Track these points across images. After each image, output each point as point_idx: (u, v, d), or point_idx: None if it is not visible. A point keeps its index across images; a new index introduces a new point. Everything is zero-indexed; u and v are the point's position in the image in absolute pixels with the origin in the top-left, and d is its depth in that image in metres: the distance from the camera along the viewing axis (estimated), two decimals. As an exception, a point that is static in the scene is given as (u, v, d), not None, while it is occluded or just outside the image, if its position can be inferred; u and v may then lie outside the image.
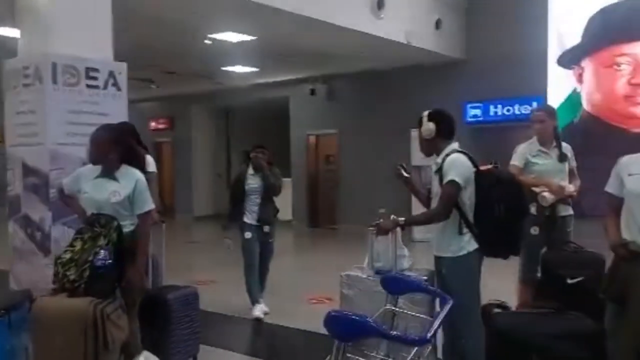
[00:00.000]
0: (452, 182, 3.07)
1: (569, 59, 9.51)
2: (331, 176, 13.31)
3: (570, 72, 9.49)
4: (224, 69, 12.72)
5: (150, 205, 3.42)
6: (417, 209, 10.70)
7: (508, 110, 10.16)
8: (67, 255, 3.13)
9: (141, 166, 3.72)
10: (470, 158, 3.19)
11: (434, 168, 3.26)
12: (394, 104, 11.59)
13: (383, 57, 10.69)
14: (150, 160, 4.47)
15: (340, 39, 9.11)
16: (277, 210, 5.92)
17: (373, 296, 3.31)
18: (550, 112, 4.42)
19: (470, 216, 3.13)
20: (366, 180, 12.12)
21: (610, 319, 2.70)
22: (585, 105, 9.32)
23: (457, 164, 3.10)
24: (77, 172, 3.65)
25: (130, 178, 3.39)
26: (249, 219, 5.61)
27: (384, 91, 11.84)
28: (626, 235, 2.61)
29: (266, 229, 5.63)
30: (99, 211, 3.28)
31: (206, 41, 9.92)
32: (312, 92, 12.79)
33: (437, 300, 3.20)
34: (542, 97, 9.58)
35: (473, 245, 3.12)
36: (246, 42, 9.85)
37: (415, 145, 10.87)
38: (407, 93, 11.40)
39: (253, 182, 5.63)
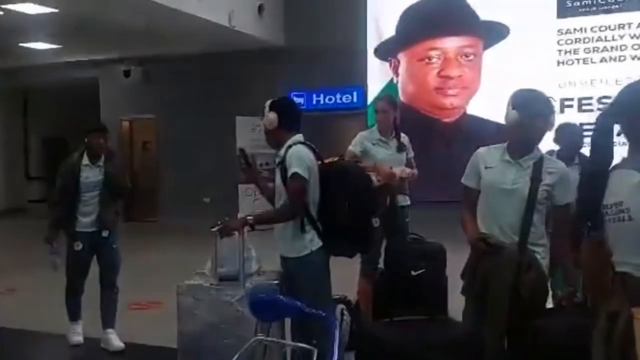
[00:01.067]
0: (296, 175, 2.84)
1: (386, 51, 9.93)
2: (148, 164, 12.46)
3: (386, 63, 9.91)
4: (22, 45, 11.15)
5: None
6: (244, 198, 10.66)
7: (330, 100, 10.33)
8: None
9: None
10: (313, 150, 2.99)
11: (276, 161, 3.00)
12: (218, 89, 11.16)
13: (205, 41, 10.19)
14: None
15: (157, 17, 8.44)
16: (119, 214, 4.89)
17: (218, 308, 2.96)
18: (392, 102, 4.41)
19: (314, 212, 2.95)
20: (188, 169, 11.55)
21: (468, 316, 2.69)
22: (401, 95, 9.80)
23: (299, 155, 2.88)
24: None
25: None
26: (82, 225, 4.41)
27: (207, 76, 11.33)
28: (484, 229, 2.60)
29: (105, 233, 4.45)
30: None
31: (-2, 12, 8.54)
32: (126, 74, 11.80)
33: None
34: (362, 86, 9.89)
35: (317, 244, 2.92)
36: (46, 15, 8.68)
37: (241, 133, 10.69)
38: (231, 79, 11.04)
39: (90, 175, 4.41)
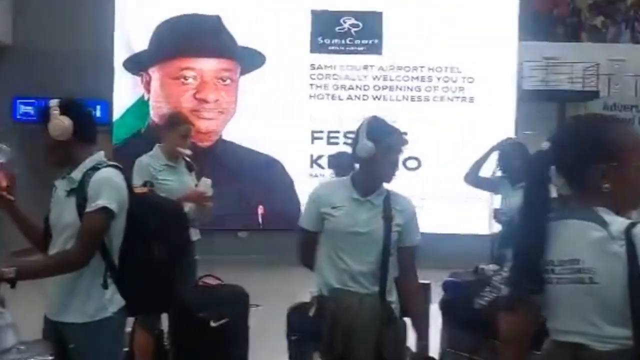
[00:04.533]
0: (104, 209, 2.10)
1: (136, 65, 9.16)
2: None
3: (138, 77, 9.13)
4: None
5: None
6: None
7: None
8: None
9: None
10: (125, 177, 2.26)
11: (64, 186, 2.22)
12: None
13: None
14: None
15: None
16: None
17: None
18: None
19: (116, 260, 2.21)
20: None
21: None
22: (153, 115, 9.12)
23: (111, 183, 2.15)
24: None
25: None
26: None
27: None
28: (330, 278, 2.29)
29: None
30: None
31: None
32: None
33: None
34: (107, 100, 8.93)
35: (119, 303, 2.20)
36: None
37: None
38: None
39: None
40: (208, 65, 9.13)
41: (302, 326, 3.59)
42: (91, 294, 2.15)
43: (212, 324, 3.03)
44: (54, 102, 2.17)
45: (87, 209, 2.10)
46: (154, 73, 9.15)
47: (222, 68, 9.18)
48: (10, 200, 2.25)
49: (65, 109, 2.15)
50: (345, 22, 9.17)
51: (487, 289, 2.75)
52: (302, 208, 8.81)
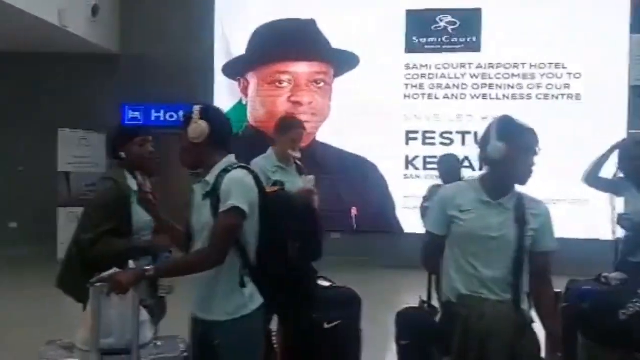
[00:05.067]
0: (235, 209, 2.16)
1: (235, 70, 9.41)
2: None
3: (235, 82, 9.39)
4: None
5: None
6: (66, 224, 9.24)
7: (171, 117, 9.45)
8: None
9: None
10: (255, 177, 2.32)
11: (200, 189, 2.31)
12: (34, 96, 9.60)
13: (22, 38, 8.71)
14: None
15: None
16: None
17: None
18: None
19: (253, 259, 2.27)
20: (-8, 188, 9.74)
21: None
22: (250, 118, 9.34)
23: (241, 183, 2.21)
24: None
25: None
26: None
27: (22, 80, 9.71)
28: (458, 285, 2.21)
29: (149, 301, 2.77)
30: None
31: None
32: None
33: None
34: (208, 104, 9.21)
35: (258, 301, 2.27)
36: None
37: (64, 148, 9.26)
38: (52, 85, 9.59)
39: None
40: (302, 69, 9.23)
41: (414, 331, 3.51)
42: (231, 293, 2.22)
43: (325, 325, 3.02)
44: (196, 107, 2.30)
45: (220, 210, 2.16)
46: (252, 78, 9.37)
47: (316, 71, 9.25)
48: (154, 203, 2.46)
49: (204, 114, 2.25)
50: (441, 20, 8.97)
51: (634, 299, 2.54)
52: (397, 210, 8.77)
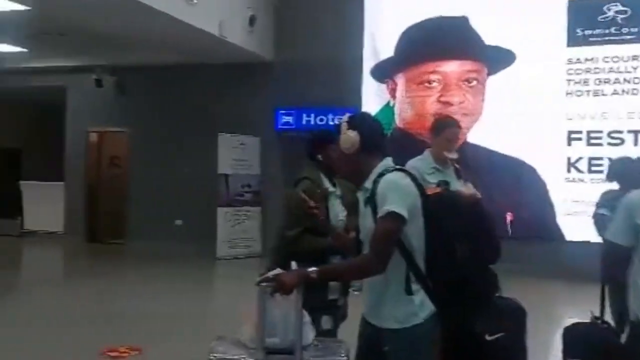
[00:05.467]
0: (392, 214, 2.06)
1: (383, 72, 9.38)
2: (117, 181, 11.49)
3: (383, 85, 9.34)
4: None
5: None
6: (224, 223, 9.84)
7: (321, 120, 9.66)
8: None
9: None
10: (413, 178, 2.22)
11: (362, 196, 2.27)
12: (199, 103, 10.36)
13: (189, 50, 9.42)
14: None
15: (142, 20, 7.64)
16: None
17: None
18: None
19: (422, 265, 2.18)
20: (161, 188, 10.64)
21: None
22: (397, 120, 9.24)
23: (397, 186, 2.13)
24: None
25: None
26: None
27: (187, 89, 10.52)
28: None
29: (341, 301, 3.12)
30: None
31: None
32: (98, 83, 10.87)
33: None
34: (357, 107, 9.28)
35: (429, 309, 2.16)
36: (14, 13, 7.78)
37: (223, 151, 9.89)
38: (214, 93, 10.28)
39: (342, 212, 3.15)
40: (453, 68, 8.94)
41: (587, 350, 3.18)
42: (399, 300, 2.15)
43: (487, 337, 2.80)
44: (344, 118, 2.27)
45: (378, 215, 2.10)
46: (400, 79, 9.27)
47: (467, 69, 8.91)
48: (320, 216, 2.49)
49: (353, 123, 2.21)
50: (609, 10, 8.19)
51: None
52: (558, 216, 8.13)
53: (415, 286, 2.14)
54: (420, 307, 2.14)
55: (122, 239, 11.05)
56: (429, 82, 9.03)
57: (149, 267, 9.10)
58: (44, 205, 11.94)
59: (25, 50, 10.50)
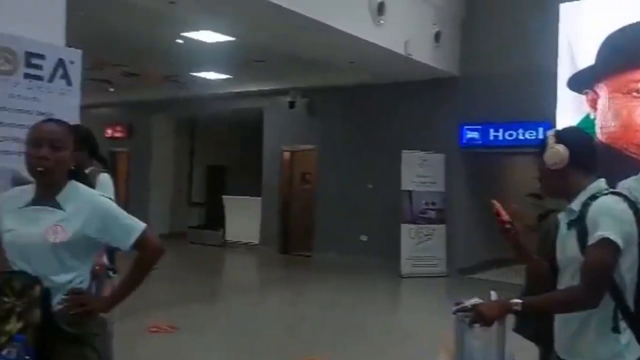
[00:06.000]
0: (606, 241, 1.86)
1: (581, 82, 8.64)
2: (307, 196, 12.11)
3: (582, 95, 8.62)
4: (193, 74, 11.46)
5: (139, 224, 2.12)
6: (407, 240, 9.82)
7: (511, 135, 9.21)
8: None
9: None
10: (631, 204, 1.98)
11: (565, 218, 2.10)
12: (383, 121, 10.54)
13: (375, 69, 9.66)
14: (105, 181, 3.19)
15: (333, 44, 8.01)
16: None
17: None
18: None
19: (630, 301, 1.95)
20: (347, 204, 10.98)
21: None
22: (599, 133, 8.45)
23: (611, 211, 1.92)
24: None
25: (81, 202, 2.08)
26: None
27: (371, 107, 10.78)
28: None
29: None
30: (26, 261, 1.99)
31: (178, 40, 8.68)
32: (291, 104, 11.62)
33: None
34: (549, 121, 8.68)
35: (636, 351, 1.93)
36: (222, 44, 8.67)
37: (407, 168, 9.94)
38: (398, 111, 10.37)
39: None
40: (666, 74, 7.95)
41: None
42: (602, 338, 1.94)
43: None
44: (550, 132, 2.12)
45: (589, 242, 1.91)
46: (601, 89, 8.48)
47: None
48: (516, 234, 2.23)
49: (561, 138, 2.05)
50: None
51: None
52: None
53: (622, 324, 1.92)
54: (626, 347, 1.91)
55: (309, 251, 11.59)
56: (637, 91, 8.14)
57: (336, 279, 9.41)
58: (243, 218, 12.98)
59: (229, 76, 11.63)
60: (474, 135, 9.64)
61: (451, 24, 9.66)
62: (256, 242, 12.65)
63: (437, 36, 9.17)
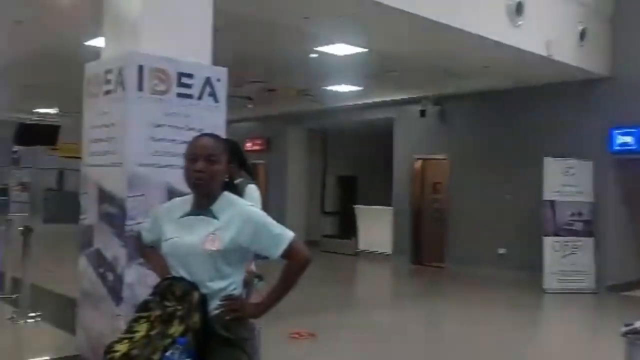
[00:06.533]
0: None
1: None
2: (438, 206, 11.84)
3: None
4: (325, 88, 11.71)
5: (288, 233, 2.16)
6: (551, 253, 9.17)
7: (669, 139, 8.34)
8: (122, 348, 1.98)
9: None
10: None
11: None
12: (521, 127, 10.02)
13: (510, 73, 9.22)
14: (253, 192, 3.32)
15: (468, 49, 7.76)
16: None
17: None
18: None
19: None
20: (481, 214, 10.57)
21: None
22: None
23: None
24: (154, 212, 2.45)
25: (234, 212, 2.16)
26: None
27: (506, 113, 10.30)
28: None
29: None
30: (185, 268, 2.11)
31: (312, 55, 8.91)
32: (422, 113, 11.45)
33: None
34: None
35: None
36: (354, 56, 8.75)
37: (550, 176, 9.31)
38: (538, 115, 9.81)
39: None
40: None
41: None
42: None
43: None
44: None
45: None
46: None
47: None
48: None
49: None
50: None
51: None
52: None
53: None
54: None
55: (442, 262, 11.28)
56: None
57: (474, 293, 9.06)
58: (375, 227, 12.98)
59: (360, 88, 11.72)
60: (627, 139, 8.84)
61: (598, 21, 8.97)
62: (389, 251, 12.58)
63: (583, 35, 8.55)
